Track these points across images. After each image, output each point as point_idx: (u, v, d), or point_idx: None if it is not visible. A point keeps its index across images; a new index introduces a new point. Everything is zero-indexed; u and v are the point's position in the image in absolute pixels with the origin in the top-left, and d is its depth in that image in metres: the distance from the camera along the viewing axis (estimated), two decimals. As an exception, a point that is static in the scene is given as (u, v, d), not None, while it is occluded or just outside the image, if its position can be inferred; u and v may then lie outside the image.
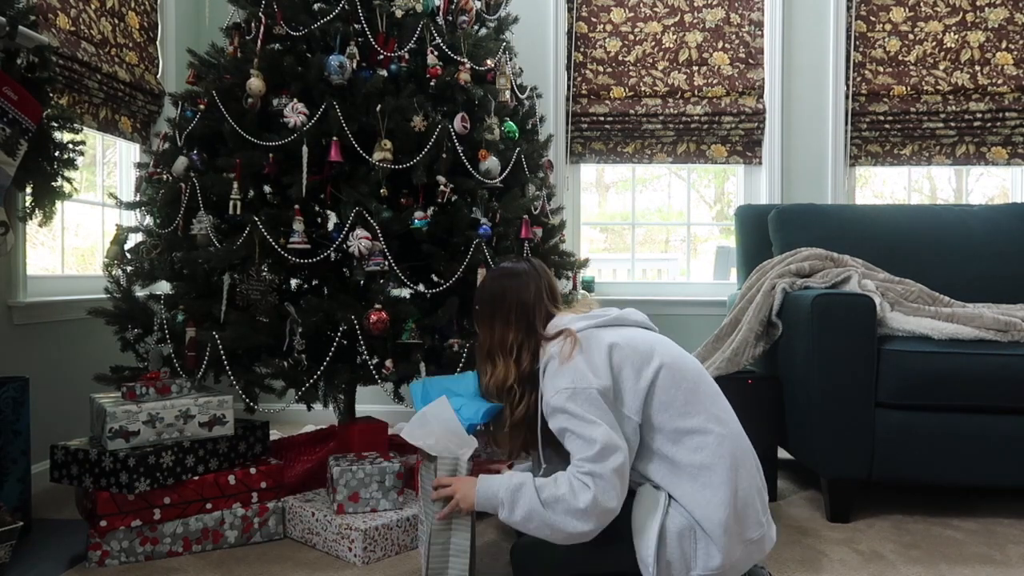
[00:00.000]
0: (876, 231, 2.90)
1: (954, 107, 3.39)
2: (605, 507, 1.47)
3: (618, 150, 3.58)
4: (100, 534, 1.89)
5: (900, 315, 2.40)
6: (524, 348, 1.69)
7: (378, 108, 2.25)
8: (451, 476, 1.71)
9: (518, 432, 1.70)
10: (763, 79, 3.51)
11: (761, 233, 3.05)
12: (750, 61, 3.53)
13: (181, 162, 2.29)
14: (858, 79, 3.47)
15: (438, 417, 1.75)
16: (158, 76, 3.16)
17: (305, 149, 2.20)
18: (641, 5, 3.55)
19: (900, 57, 3.47)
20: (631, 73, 3.54)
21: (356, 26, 2.35)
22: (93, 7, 2.77)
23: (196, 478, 2.01)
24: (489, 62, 2.50)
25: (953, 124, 3.41)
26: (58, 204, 2.22)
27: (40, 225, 2.22)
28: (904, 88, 3.44)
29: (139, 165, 2.68)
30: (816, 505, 2.42)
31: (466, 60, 2.42)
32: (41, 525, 2.20)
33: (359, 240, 2.17)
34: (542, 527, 1.51)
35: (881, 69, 3.47)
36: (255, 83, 2.23)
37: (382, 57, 2.35)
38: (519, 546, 1.65)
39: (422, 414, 1.76)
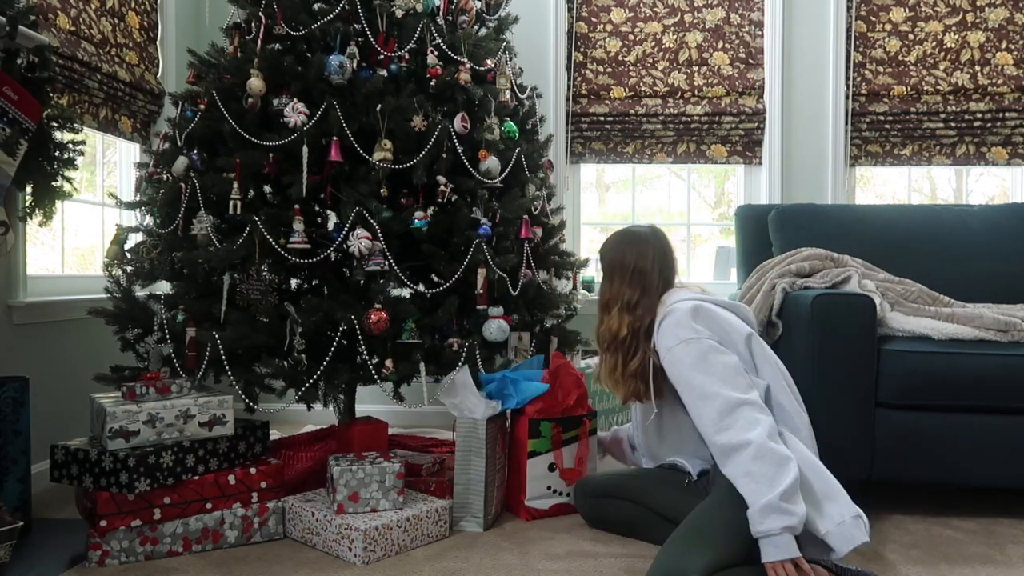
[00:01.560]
0: (876, 231, 2.90)
1: (954, 107, 3.39)
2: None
3: (618, 150, 3.58)
4: (100, 534, 1.89)
5: (900, 315, 2.40)
6: (639, 306, 1.98)
7: (378, 108, 2.25)
8: (469, 435, 2.16)
9: (632, 381, 1.98)
10: (763, 79, 3.51)
11: (761, 233, 3.05)
12: (750, 61, 3.53)
13: (181, 162, 2.29)
14: (858, 79, 3.48)
15: (463, 384, 2.21)
16: (158, 76, 3.16)
17: (305, 149, 2.20)
18: (641, 5, 3.55)
19: (900, 57, 3.47)
20: (631, 73, 3.54)
21: (356, 26, 2.35)
22: (93, 7, 2.77)
23: (196, 478, 2.01)
24: (489, 62, 2.50)
25: (953, 124, 3.41)
26: (58, 204, 2.22)
27: (40, 225, 2.22)
28: (904, 88, 3.44)
29: (139, 165, 2.68)
30: (816, 505, 2.42)
31: (466, 60, 2.42)
32: (41, 525, 2.20)
33: (359, 240, 2.17)
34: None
35: (881, 69, 3.47)
36: (255, 83, 2.23)
37: (382, 57, 2.35)
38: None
39: (452, 381, 2.22)
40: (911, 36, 3.47)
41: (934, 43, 3.45)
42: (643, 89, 3.53)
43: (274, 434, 2.88)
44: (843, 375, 2.21)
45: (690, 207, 3.78)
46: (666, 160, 3.57)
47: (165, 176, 2.37)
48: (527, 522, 2.25)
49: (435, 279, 2.44)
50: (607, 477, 2.19)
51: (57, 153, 2.17)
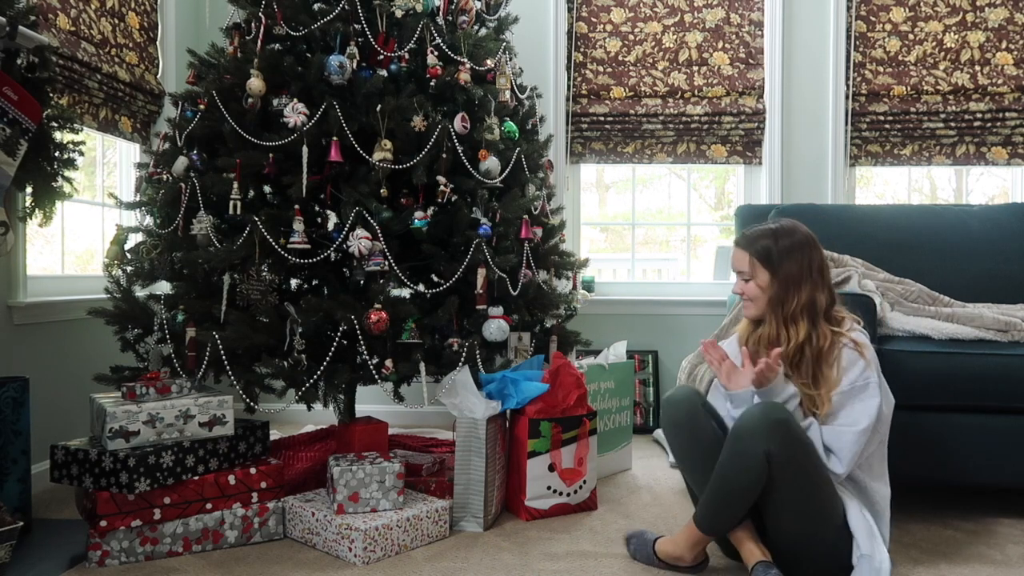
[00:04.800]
0: (876, 231, 2.89)
1: (954, 107, 3.39)
2: None
3: (618, 150, 3.58)
4: (100, 534, 1.89)
5: (900, 315, 2.40)
6: (823, 313, 1.84)
7: (378, 108, 2.25)
8: (469, 435, 2.15)
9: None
10: (763, 79, 3.51)
11: (761, 233, 3.04)
12: (750, 61, 3.53)
13: (181, 162, 2.29)
14: (858, 79, 3.47)
15: (463, 384, 2.20)
16: (158, 76, 3.16)
17: (305, 149, 2.20)
18: (641, 5, 3.55)
19: (900, 57, 3.47)
20: (631, 73, 3.54)
21: (356, 26, 2.35)
22: (93, 7, 2.77)
23: (196, 478, 2.01)
24: (489, 62, 2.50)
25: (953, 124, 3.41)
26: (58, 204, 2.22)
27: (40, 225, 2.22)
28: (904, 88, 3.44)
29: (139, 165, 2.68)
30: (816, 505, 2.42)
31: (466, 60, 2.42)
32: (41, 525, 2.19)
33: (359, 240, 2.17)
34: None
35: (881, 69, 3.47)
36: (255, 83, 2.23)
37: (382, 57, 2.35)
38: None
39: (452, 382, 2.21)
40: (911, 36, 3.47)
41: (934, 43, 3.45)
42: (643, 89, 3.53)
43: (274, 434, 2.88)
44: (843, 375, 2.20)
45: (690, 207, 3.77)
46: (666, 160, 3.57)
47: (165, 176, 2.37)
48: (527, 522, 2.25)
49: (435, 279, 2.44)
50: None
51: (57, 153, 2.17)
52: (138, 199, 2.47)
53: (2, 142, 1.93)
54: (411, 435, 2.95)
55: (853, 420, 1.77)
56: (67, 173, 2.20)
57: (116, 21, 2.90)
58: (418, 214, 2.26)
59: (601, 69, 3.56)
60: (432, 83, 2.37)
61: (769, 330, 1.88)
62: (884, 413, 1.85)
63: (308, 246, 2.20)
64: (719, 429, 1.85)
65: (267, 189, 2.40)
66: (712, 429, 1.84)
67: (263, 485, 2.10)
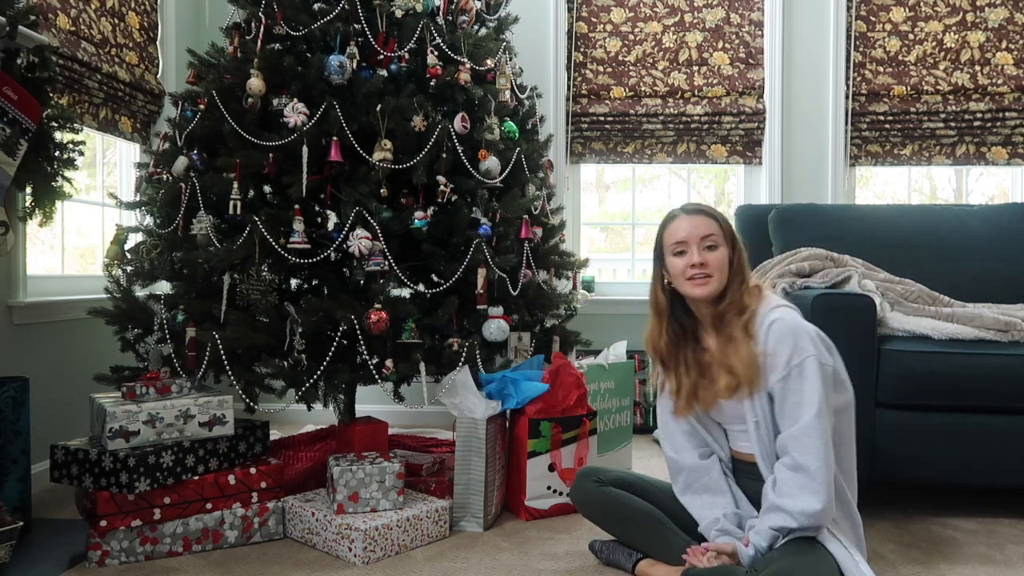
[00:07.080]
0: (876, 231, 2.89)
1: (954, 107, 3.39)
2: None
3: (618, 150, 3.58)
4: (100, 534, 1.89)
5: (900, 315, 2.40)
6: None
7: (378, 108, 2.25)
8: (469, 435, 2.15)
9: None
10: (763, 79, 3.51)
11: (761, 233, 3.04)
12: (750, 61, 3.53)
13: (181, 162, 2.29)
14: (858, 79, 3.47)
15: (463, 384, 2.20)
16: (158, 76, 3.16)
17: (305, 149, 2.20)
18: (641, 5, 3.55)
19: (900, 57, 3.47)
20: (631, 73, 3.54)
21: (356, 26, 2.35)
22: (93, 7, 2.77)
23: (196, 478, 2.01)
24: (489, 62, 2.50)
25: (953, 124, 3.41)
26: (58, 204, 2.22)
27: (40, 225, 2.22)
28: (904, 88, 3.44)
29: (139, 165, 2.68)
30: (816, 505, 2.42)
31: (466, 60, 2.42)
32: (41, 525, 2.19)
33: (359, 240, 2.17)
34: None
35: (881, 69, 3.47)
36: (255, 83, 2.23)
37: (382, 57, 2.35)
38: None
39: (452, 382, 2.21)
40: (911, 36, 3.47)
41: (934, 43, 3.45)
42: (643, 89, 3.53)
43: (274, 434, 2.88)
44: (843, 375, 2.20)
45: (690, 207, 3.77)
46: (666, 160, 3.57)
47: (165, 176, 2.37)
48: (527, 522, 2.25)
49: (435, 279, 2.44)
50: (626, 471, 2.02)
51: (57, 153, 2.17)
52: (138, 199, 2.47)
53: (2, 142, 1.93)
54: (411, 435, 2.95)
55: (807, 402, 1.64)
56: (67, 173, 2.20)
57: (116, 21, 2.90)
58: (418, 214, 2.26)
59: (601, 69, 3.56)
60: (432, 83, 2.37)
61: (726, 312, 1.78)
62: (845, 400, 1.75)
63: (308, 246, 2.20)
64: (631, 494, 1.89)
65: (267, 189, 2.40)
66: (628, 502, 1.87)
67: (263, 485, 2.10)
